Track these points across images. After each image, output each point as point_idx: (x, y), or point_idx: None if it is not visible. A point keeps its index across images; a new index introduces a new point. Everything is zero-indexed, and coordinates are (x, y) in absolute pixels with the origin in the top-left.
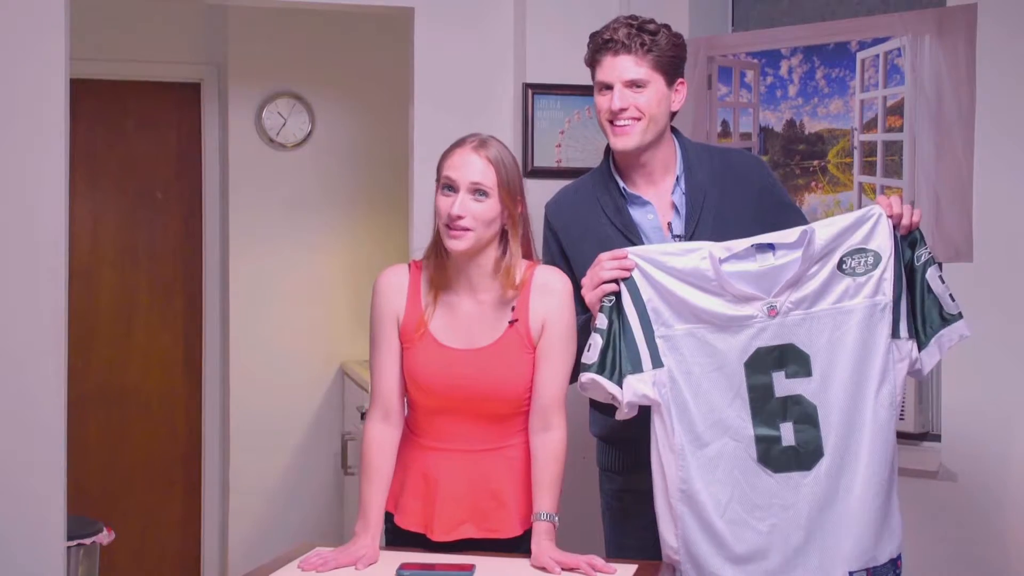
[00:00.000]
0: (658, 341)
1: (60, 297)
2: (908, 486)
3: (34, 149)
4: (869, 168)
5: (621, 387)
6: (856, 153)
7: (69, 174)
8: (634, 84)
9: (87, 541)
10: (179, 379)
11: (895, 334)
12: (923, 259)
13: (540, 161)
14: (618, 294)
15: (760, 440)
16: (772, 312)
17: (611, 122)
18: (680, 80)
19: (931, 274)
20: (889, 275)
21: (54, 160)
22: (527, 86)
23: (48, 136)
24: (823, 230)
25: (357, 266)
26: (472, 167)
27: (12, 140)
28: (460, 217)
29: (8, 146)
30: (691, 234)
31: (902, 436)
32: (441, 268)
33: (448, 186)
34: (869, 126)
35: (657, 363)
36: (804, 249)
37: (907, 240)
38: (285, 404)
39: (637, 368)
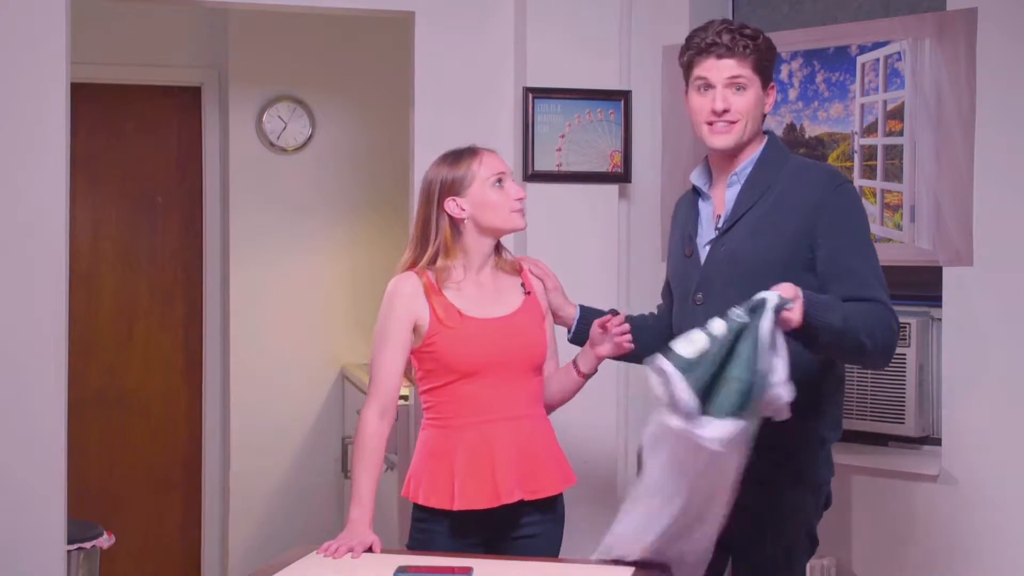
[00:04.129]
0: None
1: (61, 301)
2: (909, 490)
3: (35, 153)
4: (869, 172)
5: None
6: (856, 157)
7: (70, 178)
8: (736, 86)
9: (87, 545)
10: (180, 382)
11: None
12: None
13: (540, 165)
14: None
15: None
16: None
17: (709, 122)
18: (771, 84)
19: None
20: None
21: (55, 164)
22: (527, 90)
23: (49, 140)
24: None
25: (358, 270)
26: (501, 159)
27: (13, 144)
28: (523, 197)
29: (9, 150)
30: (726, 231)
31: (903, 440)
32: (453, 258)
33: (500, 179)
34: (869, 130)
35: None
36: None
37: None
38: (285, 407)
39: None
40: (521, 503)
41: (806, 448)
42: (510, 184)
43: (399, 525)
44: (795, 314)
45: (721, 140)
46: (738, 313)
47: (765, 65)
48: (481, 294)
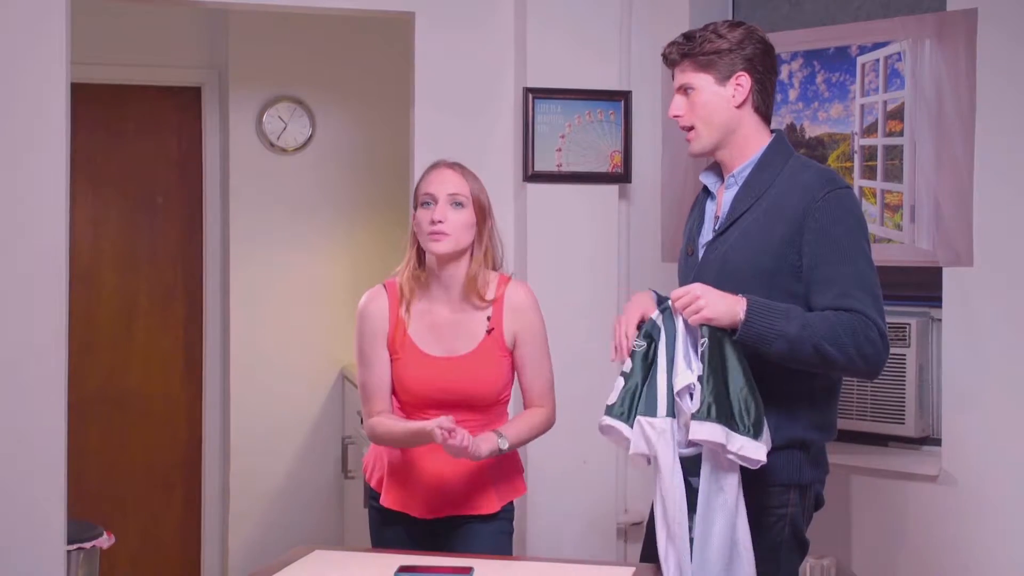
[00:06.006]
0: (676, 394)
1: (61, 301)
2: (909, 491)
3: (35, 153)
4: (869, 172)
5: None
6: (856, 157)
7: (70, 178)
8: (684, 90)
9: (87, 545)
10: (180, 383)
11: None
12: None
13: (540, 165)
14: (652, 340)
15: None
16: None
17: (683, 129)
18: (738, 73)
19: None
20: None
21: (55, 164)
22: (527, 90)
23: (49, 140)
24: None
25: (358, 270)
26: (448, 180)
27: (13, 144)
28: (440, 222)
29: (9, 150)
30: (721, 233)
31: (903, 441)
32: (418, 280)
33: (426, 201)
34: (869, 130)
35: (671, 412)
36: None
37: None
38: (285, 408)
39: (651, 412)
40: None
41: (782, 449)
42: (438, 207)
43: None
44: (702, 314)
45: (691, 147)
46: (650, 321)
47: (709, 60)
48: (441, 326)
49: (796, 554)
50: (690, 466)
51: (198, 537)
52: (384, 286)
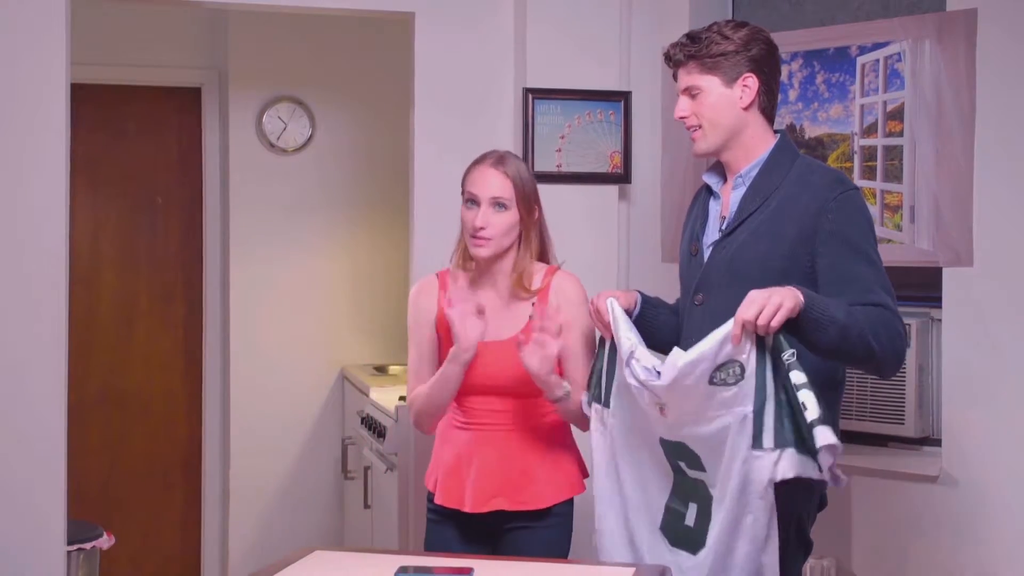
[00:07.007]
0: (614, 383)
1: (61, 301)
2: (909, 491)
3: (35, 154)
4: (869, 173)
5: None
6: (856, 158)
7: (70, 179)
8: (689, 92)
9: (87, 546)
10: (180, 383)
11: (756, 445)
12: (787, 363)
13: (540, 166)
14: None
15: (668, 511)
16: (663, 412)
17: (688, 129)
18: (745, 75)
19: (795, 377)
20: (750, 386)
21: (55, 165)
22: (527, 91)
23: (49, 141)
24: (688, 356)
25: (358, 270)
26: (491, 183)
27: (13, 145)
28: (482, 228)
29: (9, 151)
30: (729, 233)
31: (903, 441)
32: (467, 268)
33: (471, 200)
34: (869, 131)
35: (607, 402)
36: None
37: (770, 346)
38: (286, 408)
39: (597, 399)
40: (503, 510)
41: None
42: (480, 211)
43: (398, 525)
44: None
45: (695, 147)
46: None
47: (716, 61)
48: (487, 312)
49: (800, 554)
50: (673, 451)
51: (198, 537)
52: (436, 275)
